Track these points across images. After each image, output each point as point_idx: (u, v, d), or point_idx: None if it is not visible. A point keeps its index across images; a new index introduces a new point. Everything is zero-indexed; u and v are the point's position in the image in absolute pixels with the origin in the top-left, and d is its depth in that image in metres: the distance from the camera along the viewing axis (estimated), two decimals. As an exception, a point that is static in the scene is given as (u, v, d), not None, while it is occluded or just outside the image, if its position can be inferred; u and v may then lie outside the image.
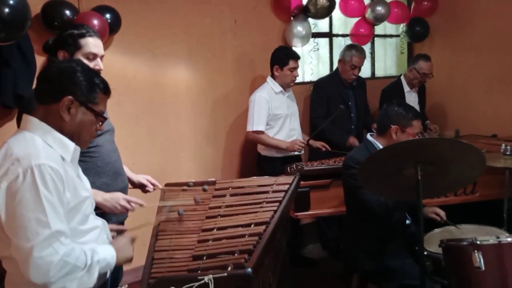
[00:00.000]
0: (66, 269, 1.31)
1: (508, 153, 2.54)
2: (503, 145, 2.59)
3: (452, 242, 1.79)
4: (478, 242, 1.69)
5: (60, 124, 1.43)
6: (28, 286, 1.32)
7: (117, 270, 2.29)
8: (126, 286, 2.06)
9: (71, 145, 1.46)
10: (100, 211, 1.84)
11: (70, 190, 1.39)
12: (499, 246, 1.67)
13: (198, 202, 1.96)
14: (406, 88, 3.91)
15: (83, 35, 1.89)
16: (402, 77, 3.96)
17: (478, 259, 1.65)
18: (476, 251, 1.67)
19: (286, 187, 2.12)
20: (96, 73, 1.54)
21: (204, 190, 2.09)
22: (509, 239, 1.69)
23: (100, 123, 1.51)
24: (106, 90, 1.51)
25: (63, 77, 1.44)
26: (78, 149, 1.49)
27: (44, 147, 1.38)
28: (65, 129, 1.44)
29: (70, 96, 1.41)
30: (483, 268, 1.65)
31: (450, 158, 1.78)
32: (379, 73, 4.66)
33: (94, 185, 1.98)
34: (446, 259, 1.84)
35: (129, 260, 1.56)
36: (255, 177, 2.42)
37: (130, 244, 1.58)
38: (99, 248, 1.44)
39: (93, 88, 1.46)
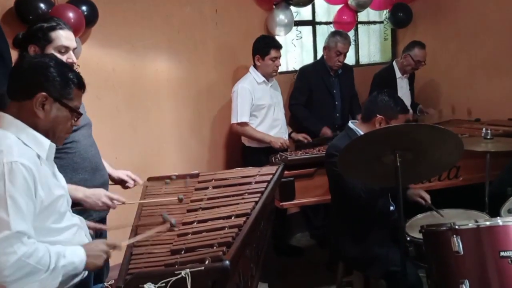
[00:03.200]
0: (25, 270, 1.27)
1: (488, 137, 2.56)
2: (484, 129, 2.61)
3: (432, 227, 1.81)
4: (457, 227, 1.70)
5: (34, 120, 1.41)
6: None
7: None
8: (113, 281, 2.05)
9: (46, 142, 1.43)
10: (81, 207, 1.82)
11: (44, 188, 1.37)
12: (478, 230, 1.69)
13: (182, 199, 1.93)
14: (398, 74, 3.92)
15: (53, 28, 1.84)
16: (394, 63, 3.97)
17: (457, 243, 1.67)
18: (455, 236, 1.68)
19: (269, 177, 2.12)
20: (70, 68, 1.51)
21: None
22: (487, 223, 1.71)
23: (76, 119, 1.49)
24: (80, 85, 1.48)
25: (36, 73, 1.41)
26: (54, 146, 1.47)
27: (17, 145, 1.36)
28: (39, 126, 1.41)
29: (44, 92, 1.39)
30: (462, 252, 1.67)
31: (428, 144, 1.78)
32: (363, 60, 4.65)
33: (71, 181, 1.94)
34: (426, 244, 1.86)
35: (98, 267, 1.50)
36: (238, 168, 2.42)
37: (104, 252, 1.50)
38: (68, 251, 1.39)
39: (67, 84, 1.43)
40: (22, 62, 1.49)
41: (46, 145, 1.43)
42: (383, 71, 3.98)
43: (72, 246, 1.43)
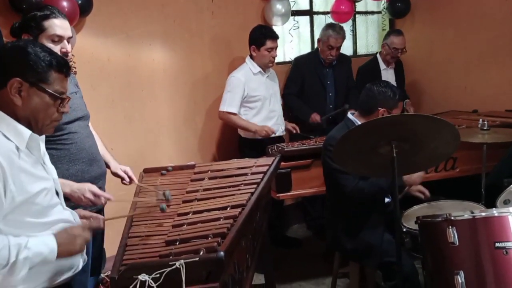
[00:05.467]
0: None
1: (485, 128, 2.55)
2: (481, 120, 2.61)
3: (427, 218, 1.81)
4: (452, 218, 1.70)
5: (13, 109, 1.34)
6: None
7: (99, 258, 2.27)
8: (109, 272, 2.04)
9: (27, 132, 1.36)
10: (72, 202, 1.79)
11: (16, 183, 1.29)
12: (473, 221, 1.69)
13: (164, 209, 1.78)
14: (382, 66, 3.87)
15: (46, 17, 1.81)
16: (378, 55, 3.93)
17: (452, 234, 1.67)
18: (450, 227, 1.68)
19: (265, 168, 2.12)
20: (50, 50, 1.42)
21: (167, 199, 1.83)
22: (483, 214, 1.71)
23: (60, 104, 1.40)
24: (59, 68, 1.38)
25: (9, 58, 1.35)
26: (36, 136, 1.39)
27: None
28: (19, 114, 1.35)
29: (18, 78, 1.32)
30: (457, 243, 1.67)
31: (424, 135, 1.77)
32: (361, 51, 4.62)
33: (68, 172, 1.95)
34: (421, 235, 1.86)
35: (75, 253, 1.42)
36: (235, 160, 2.41)
37: (78, 235, 1.41)
38: (33, 242, 1.30)
39: (42, 67, 1.34)
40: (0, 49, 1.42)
41: (26, 135, 1.35)
42: (367, 64, 3.93)
43: (39, 236, 1.34)
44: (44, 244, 1.33)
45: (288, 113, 3.68)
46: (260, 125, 3.24)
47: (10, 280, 1.27)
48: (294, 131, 3.46)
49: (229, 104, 3.19)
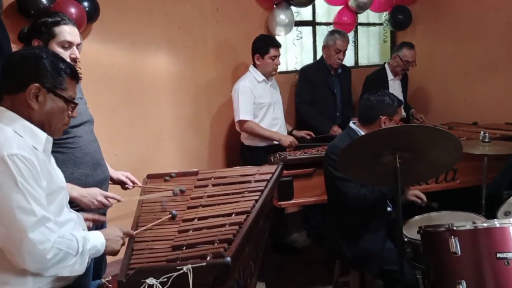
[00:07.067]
0: (59, 256, 1.33)
1: (486, 140, 2.58)
2: (482, 132, 2.64)
3: (429, 228, 1.82)
4: (454, 228, 1.72)
5: (29, 113, 1.40)
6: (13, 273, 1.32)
7: (100, 262, 2.27)
8: (110, 277, 2.05)
9: (43, 135, 1.42)
10: (78, 207, 1.81)
11: (45, 178, 1.37)
12: (475, 231, 1.71)
13: (177, 193, 1.95)
14: (390, 76, 3.93)
15: (57, 23, 1.84)
16: (386, 65, 3.99)
17: (455, 244, 1.69)
18: (452, 237, 1.70)
19: (268, 176, 2.13)
20: (62, 58, 1.50)
21: (181, 191, 2.01)
22: (485, 225, 1.73)
23: (72, 109, 1.48)
24: (73, 75, 1.47)
25: (27, 64, 1.40)
26: (51, 139, 1.46)
27: (14, 137, 1.35)
28: (34, 118, 1.40)
29: (37, 84, 1.38)
30: (459, 253, 1.68)
31: (427, 145, 1.80)
32: (362, 61, 4.67)
33: (73, 176, 1.96)
34: (423, 245, 1.87)
35: (115, 253, 1.54)
36: (237, 167, 2.43)
37: (121, 238, 1.56)
38: (90, 235, 1.46)
39: (59, 74, 1.42)
40: (13, 55, 1.48)
41: (42, 138, 1.42)
42: (375, 74, 3.99)
43: (90, 231, 1.50)
44: (96, 238, 1.48)
45: (301, 122, 3.68)
46: (284, 135, 3.26)
47: (79, 270, 1.39)
48: (309, 137, 3.45)
49: (243, 112, 3.20)
